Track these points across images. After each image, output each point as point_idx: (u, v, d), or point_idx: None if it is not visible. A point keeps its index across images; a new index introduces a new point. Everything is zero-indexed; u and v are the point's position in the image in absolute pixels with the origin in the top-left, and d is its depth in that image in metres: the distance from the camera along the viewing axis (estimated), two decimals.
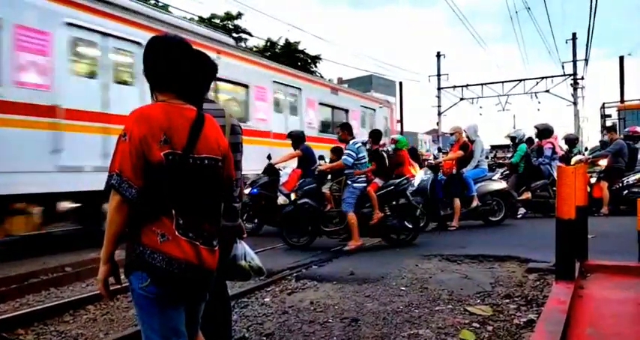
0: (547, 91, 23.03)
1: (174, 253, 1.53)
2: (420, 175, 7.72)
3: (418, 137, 46.81)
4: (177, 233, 1.55)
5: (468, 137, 7.66)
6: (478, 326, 3.19)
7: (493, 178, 7.80)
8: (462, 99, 24.89)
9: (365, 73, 37.17)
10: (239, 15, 25.11)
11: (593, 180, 8.40)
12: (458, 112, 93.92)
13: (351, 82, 43.57)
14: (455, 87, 25.07)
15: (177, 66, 1.67)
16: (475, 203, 7.37)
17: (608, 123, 20.98)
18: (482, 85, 24.44)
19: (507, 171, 9.11)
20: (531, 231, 7.17)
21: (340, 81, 43.71)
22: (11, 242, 7.44)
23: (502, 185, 7.71)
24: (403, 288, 4.14)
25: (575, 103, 22.68)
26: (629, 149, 8.53)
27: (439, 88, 25.22)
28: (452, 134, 7.94)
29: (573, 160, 8.84)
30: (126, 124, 1.55)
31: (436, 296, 3.88)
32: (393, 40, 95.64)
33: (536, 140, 9.45)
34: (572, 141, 10.14)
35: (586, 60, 22.02)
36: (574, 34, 22.27)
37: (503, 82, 23.95)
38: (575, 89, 22.52)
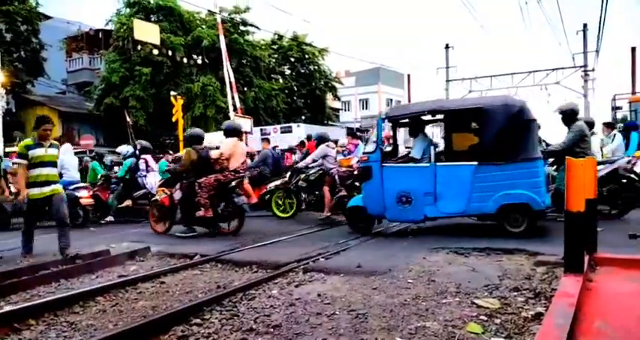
0: (557, 83, 22.75)
1: None
2: None
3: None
4: None
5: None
6: (486, 318, 3.18)
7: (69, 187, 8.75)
8: (470, 91, 24.63)
9: (373, 66, 36.94)
10: (247, 9, 25.02)
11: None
12: None
13: (358, 74, 43.37)
14: (463, 79, 24.84)
15: None
16: None
17: (619, 115, 20.63)
18: (491, 77, 24.17)
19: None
20: (537, 225, 7.12)
21: (348, 74, 43.51)
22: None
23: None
24: (410, 281, 4.13)
25: (585, 95, 22.39)
26: (274, 158, 10.68)
27: (447, 80, 25.00)
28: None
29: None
30: None
31: (443, 288, 3.88)
32: (401, 32, 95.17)
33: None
34: (324, 139, 9.92)
35: (597, 51, 21.69)
36: (585, 25, 21.92)
37: (512, 74, 23.65)
38: (585, 81, 22.23)
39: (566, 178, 3.29)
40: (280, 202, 9.37)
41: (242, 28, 25.25)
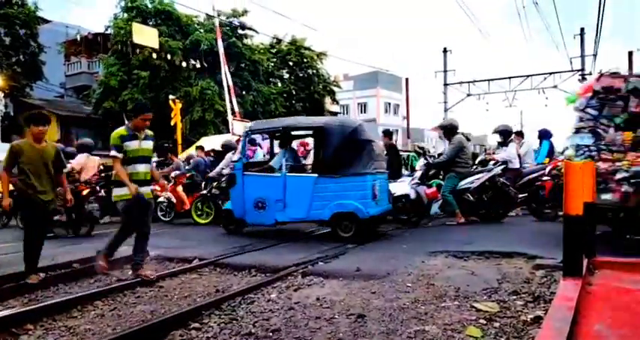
0: (555, 87, 22.81)
1: None
2: None
3: (424, 133, 46.62)
4: None
5: None
6: (485, 322, 3.18)
7: None
8: (468, 95, 24.68)
9: (371, 69, 36.99)
10: (245, 12, 25.05)
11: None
12: (465, 108, 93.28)
13: (357, 78, 43.45)
14: (461, 83, 24.85)
15: None
16: None
17: None
18: (488, 80, 24.22)
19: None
20: (537, 228, 7.14)
21: (346, 77, 43.59)
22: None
23: None
24: (409, 285, 4.13)
25: None
26: (206, 165, 10.70)
27: (445, 84, 25.03)
28: None
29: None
30: None
31: (442, 292, 3.88)
32: (400, 35, 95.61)
33: None
34: (230, 148, 10.01)
35: (594, 55, 21.76)
36: (582, 29, 21.99)
37: (510, 78, 23.69)
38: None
39: (564, 182, 3.29)
40: (199, 209, 9.74)
41: (240, 31, 25.29)
